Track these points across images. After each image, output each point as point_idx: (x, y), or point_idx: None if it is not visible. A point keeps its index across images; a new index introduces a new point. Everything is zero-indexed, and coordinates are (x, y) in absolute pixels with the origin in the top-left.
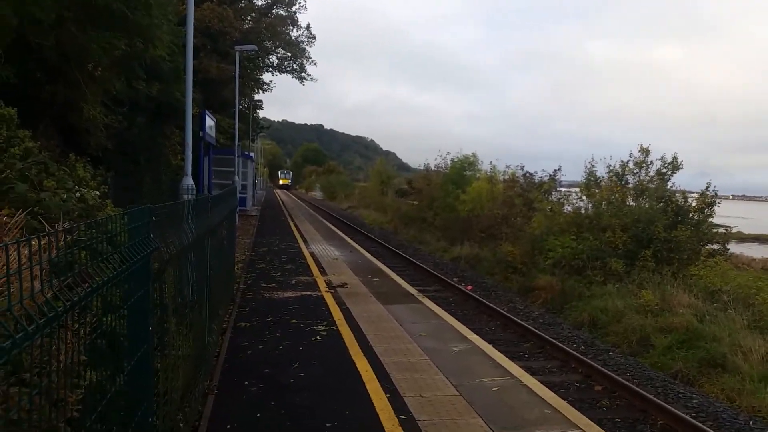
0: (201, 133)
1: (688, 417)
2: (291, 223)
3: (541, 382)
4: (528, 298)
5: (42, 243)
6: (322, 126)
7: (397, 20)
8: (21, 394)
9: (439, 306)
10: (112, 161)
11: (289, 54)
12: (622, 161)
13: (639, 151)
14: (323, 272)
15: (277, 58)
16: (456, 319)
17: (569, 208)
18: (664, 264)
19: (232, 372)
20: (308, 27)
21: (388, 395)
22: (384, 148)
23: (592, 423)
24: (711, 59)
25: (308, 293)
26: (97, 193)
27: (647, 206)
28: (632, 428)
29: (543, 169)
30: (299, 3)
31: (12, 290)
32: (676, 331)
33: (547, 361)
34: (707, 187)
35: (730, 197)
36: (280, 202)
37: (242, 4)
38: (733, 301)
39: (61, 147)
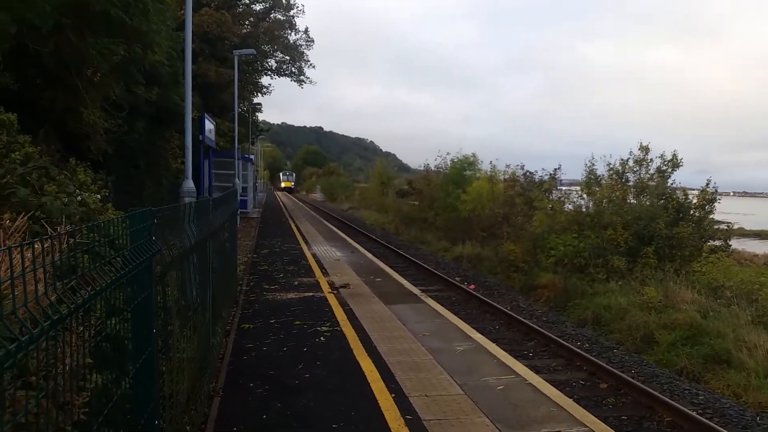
0: (201, 137)
1: (694, 414)
2: (292, 225)
3: (546, 381)
4: (531, 296)
5: (45, 246)
6: (321, 128)
7: (394, 21)
8: (28, 398)
9: (442, 305)
10: (113, 165)
11: (287, 57)
12: (622, 159)
13: (639, 149)
14: (325, 273)
15: (276, 62)
16: (459, 318)
17: (570, 207)
18: (666, 261)
19: (237, 374)
20: (306, 31)
21: (393, 395)
22: (384, 150)
23: (598, 421)
24: (710, 59)
25: (311, 294)
26: (99, 197)
27: (648, 203)
28: (639, 425)
29: (543, 168)
30: (297, 7)
31: (16, 293)
32: (680, 327)
33: (551, 360)
34: (707, 184)
35: (731, 194)
36: (281, 204)
37: (240, 9)
38: (736, 296)
39: (62, 152)
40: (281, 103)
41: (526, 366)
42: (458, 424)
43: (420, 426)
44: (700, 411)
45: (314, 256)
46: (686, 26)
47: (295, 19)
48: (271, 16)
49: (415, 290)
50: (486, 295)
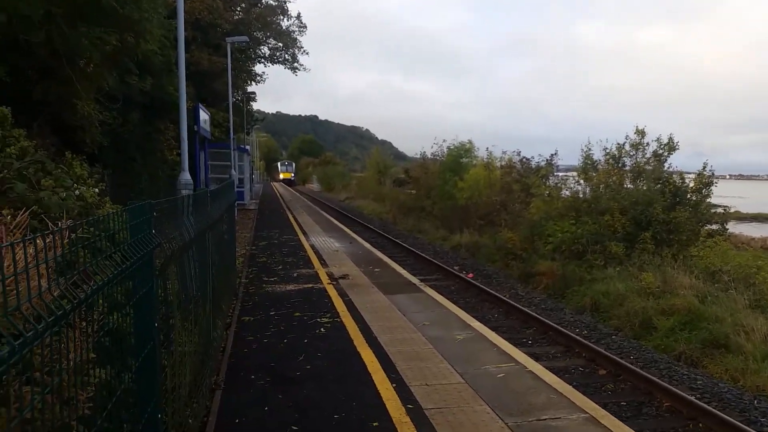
0: (195, 128)
1: (693, 398)
2: (290, 216)
3: (546, 368)
4: (529, 284)
5: (47, 241)
6: (316, 117)
7: (385, 6)
8: (33, 393)
9: (441, 294)
10: (109, 158)
11: (280, 44)
12: (618, 144)
13: (635, 133)
14: (324, 264)
15: (269, 49)
16: (458, 307)
17: (567, 193)
18: (663, 246)
19: (238, 366)
20: (299, 16)
21: (394, 385)
22: (380, 138)
23: (597, 407)
24: (702, 39)
25: (310, 286)
26: (97, 190)
27: (645, 188)
28: (638, 411)
29: (540, 154)
30: None
31: (20, 289)
32: (678, 312)
33: (550, 347)
34: (704, 167)
35: (727, 177)
36: (278, 195)
37: None
38: (733, 281)
39: (57, 145)
40: (275, 92)
41: (526, 353)
42: (459, 412)
43: (421, 415)
44: (698, 396)
45: (312, 247)
46: (675, 6)
47: (287, 4)
48: (263, 1)
49: (414, 280)
50: (485, 284)
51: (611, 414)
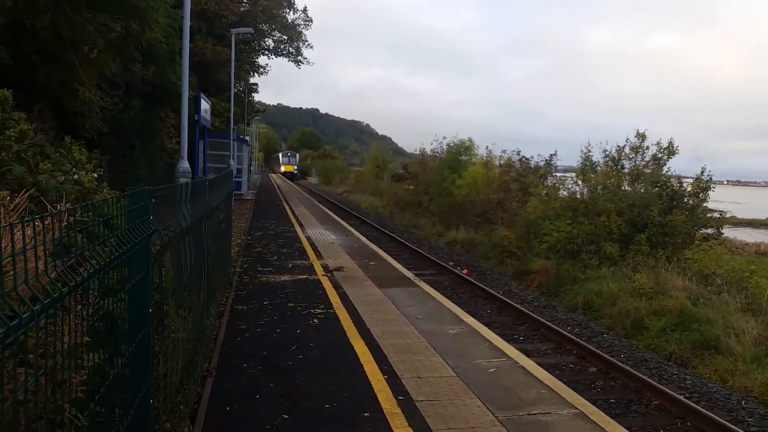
0: (196, 117)
1: (681, 397)
2: (287, 207)
3: (537, 364)
4: (523, 281)
5: (45, 224)
6: (317, 110)
7: (391, 3)
8: (26, 375)
9: (435, 289)
10: (108, 144)
11: (285, 37)
12: (618, 146)
13: (635, 136)
14: (319, 256)
15: (273, 41)
16: (452, 302)
17: (565, 193)
18: (658, 248)
19: (230, 354)
20: (305, 10)
21: (386, 377)
22: (380, 133)
23: (588, 403)
24: (706, 46)
25: (305, 277)
26: (95, 175)
27: (642, 191)
28: (627, 408)
29: (539, 154)
30: None
31: (16, 270)
32: (670, 313)
33: (542, 343)
34: (702, 172)
35: (725, 182)
36: (276, 187)
37: None
38: (726, 284)
39: (56, 130)
40: (277, 84)
41: (518, 349)
42: (450, 405)
43: (412, 406)
44: (687, 395)
45: (308, 239)
46: (682, 12)
47: None
48: None
49: (409, 274)
50: (479, 280)
51: (601, 410)
